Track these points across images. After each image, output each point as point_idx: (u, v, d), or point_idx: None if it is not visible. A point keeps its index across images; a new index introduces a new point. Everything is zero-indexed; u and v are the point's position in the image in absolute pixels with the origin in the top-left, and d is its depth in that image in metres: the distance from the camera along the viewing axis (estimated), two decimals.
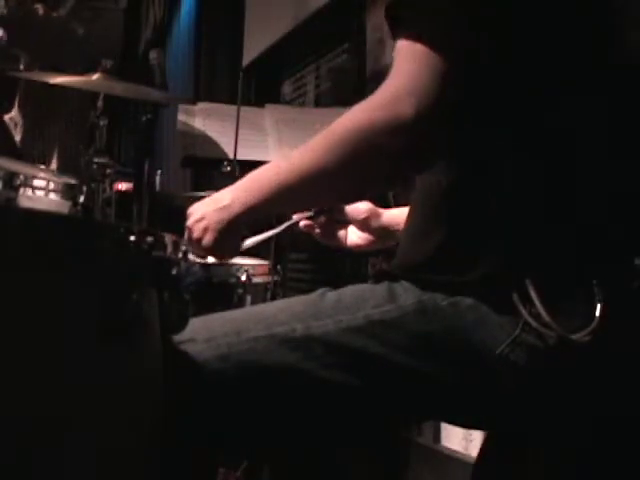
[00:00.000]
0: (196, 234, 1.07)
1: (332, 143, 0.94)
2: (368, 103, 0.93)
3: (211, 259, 1.76)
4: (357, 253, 1.39)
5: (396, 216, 1.31)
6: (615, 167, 0.96)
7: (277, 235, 1.28)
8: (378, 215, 1.31)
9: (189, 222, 1.08)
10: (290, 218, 1.28)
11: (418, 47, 0.89)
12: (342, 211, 1.30)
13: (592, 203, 0.94)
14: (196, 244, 1.07)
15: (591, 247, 0.93)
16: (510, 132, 0.94)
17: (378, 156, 0.92)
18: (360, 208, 1.30)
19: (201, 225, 1.06)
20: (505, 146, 0.95)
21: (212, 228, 1.05)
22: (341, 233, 1.34)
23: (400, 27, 0.92)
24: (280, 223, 1.28)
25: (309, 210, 1.28)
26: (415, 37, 0.89)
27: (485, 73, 0.91)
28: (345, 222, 1.33)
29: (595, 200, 0.94)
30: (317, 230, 1.33)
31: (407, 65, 0.90)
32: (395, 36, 0.93)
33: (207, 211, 1.06)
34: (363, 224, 1.32)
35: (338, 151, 0.93)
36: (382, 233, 1.33)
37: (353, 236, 1.34)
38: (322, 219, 1.31)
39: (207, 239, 1.06)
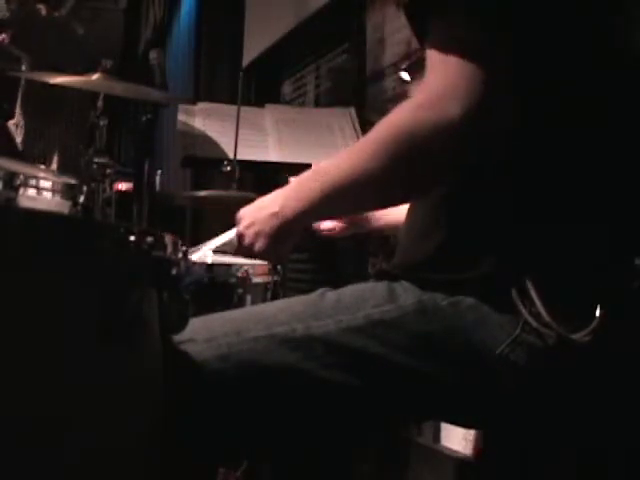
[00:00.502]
0: (248, 240, 1.08)
1: (377, 145, 0.93)
2: (411, 104, 0.92)
3: (210, 259, 1.76)
4: (351, 250, 1.42)
5: None
6: (615, 167, 0.96)
7: None
8: None
9: (240, 227, 1.10)
10: None
11: (469, 47, 0.88)
12: None
13: (591, 203, 0.94)
14: (248, 249, 1.09)
15: (591, 247, 0.93)
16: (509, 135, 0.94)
17: (423, 157, 0.91)
18: None
19: (253, 231, 1.08)
20: (503, 149, 0.95)
21: (264, 234, 1.06)
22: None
23: (445, 26, 0.91)
24: None
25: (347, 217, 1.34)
26: (465, 36, 0.89)
27: None
28: None
29: (594, 200, 0.94)
30: None
31: (450, 65, 0.89)
32: (426, 31, 0.91)
33: (258, 217, 1.07)
34: None
35: (383, 153, 0.92)
36: (353, 221, 1.38)
37: (327, 222, 1.38)
38: None
39: (259, 245, 1.07)
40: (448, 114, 0.87)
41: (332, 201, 1.00)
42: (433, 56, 0.91)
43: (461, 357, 0.94)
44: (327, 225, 1.38)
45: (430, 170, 0.93)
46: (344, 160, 0.97)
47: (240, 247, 1.11)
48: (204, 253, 1.31)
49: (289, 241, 1.09)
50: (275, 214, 1.05)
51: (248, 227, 1.08)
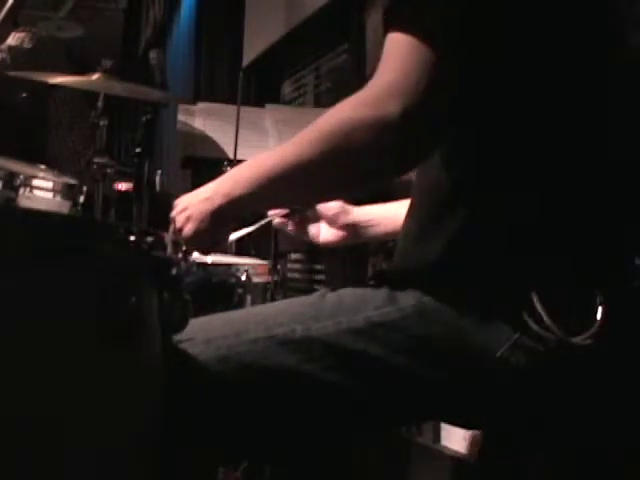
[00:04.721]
0: (178, 224, 1.07)
1: (314, 139, 0.93)
2: (354, 100, 0.92)
3: (210, 259, 1.76)
4: (340, 249, 1.41)
5: (367, 213, 1.33)
6: (614, 167, 0.96)
7: (271, 234, 1.29)
8: (348, 212, 1.32)
9: (173, 212, 1.09)
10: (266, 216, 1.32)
11: (411, 44, 0.88)
12: (314, 209, 1.32)
13: (591, 204, 0.94)
14: (178, 233, 1.08)
15: (591, 248, 0.93)
16: (508, 134, 0.94)
17: (359, 154, 0.91)
18: (329, 205, 1.31)
19: (184, 215, 1.07)
20: (502, 150, 0.95)
21: (193, 218, 1.05)
22: (313, 230, 1.35)
23: (392, 23, 0.91)
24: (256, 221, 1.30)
25: (284, 208, 1.30)
26: (409, 34, 0.88)
27: (484, 73, 0.91)
28: (316, 219, 1.34)
29: (594, 201, 0.94)
30: (290, 227, 1.34)
31: (397, 62, 0.89)
32: (386, 31, 0.91)
33: (191, 202, 1.07)
34: (332, 220, 1.33)
35: (320, 147, 0.92)
36: (352, 230, 1.34)
37: (326, 233, 1.35)
38: (296, 217, 1.33)
39: (187, 229, 1.06)
40: (387, 113, 0.87)
41: (265, 190, 0.99)
42: (389, 49, 0.90)
43: (461, 359, 0.94)
44: (326, 238, 1.37)
45: (367, 166, 0.93)
46: (283, 151, 0.97)
47: (174, 233, 1.09)
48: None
49: (220, 228, 1.08)
50: (207, 199, 1.04)
51: (181, 212, 1.08)
